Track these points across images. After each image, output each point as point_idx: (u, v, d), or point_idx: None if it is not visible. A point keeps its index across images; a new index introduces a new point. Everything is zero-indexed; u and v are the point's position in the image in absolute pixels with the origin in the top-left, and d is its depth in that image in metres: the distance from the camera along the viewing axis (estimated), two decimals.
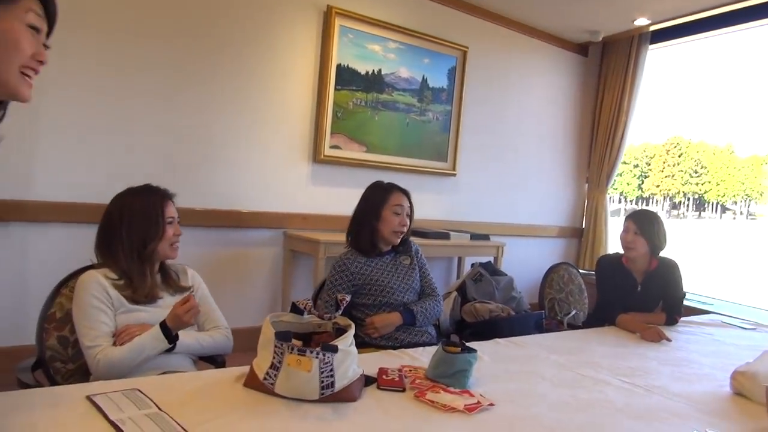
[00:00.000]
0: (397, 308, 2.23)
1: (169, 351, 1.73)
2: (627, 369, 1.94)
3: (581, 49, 5.59)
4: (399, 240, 2.30)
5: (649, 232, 2.68)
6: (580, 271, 3.45)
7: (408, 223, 2.29)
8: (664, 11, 4.64)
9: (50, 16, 1.08)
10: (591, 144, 5.75)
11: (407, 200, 2.32)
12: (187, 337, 1.78)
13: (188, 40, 3.39)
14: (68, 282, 1.84)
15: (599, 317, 2.70)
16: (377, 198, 2.30)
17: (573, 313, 3.09)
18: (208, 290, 2.02)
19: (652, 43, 5.24)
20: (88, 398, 1.27)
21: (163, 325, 1.69)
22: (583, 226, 5.80)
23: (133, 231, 1.79)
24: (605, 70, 5.59)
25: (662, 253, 2.77)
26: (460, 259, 4.82)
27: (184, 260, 1.99)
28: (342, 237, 3.73)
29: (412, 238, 2.44)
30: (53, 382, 1.75)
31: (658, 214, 2.81)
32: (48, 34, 1.09)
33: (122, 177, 3.10)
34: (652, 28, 5.06)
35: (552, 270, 3.25)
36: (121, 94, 3.19)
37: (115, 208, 1.83)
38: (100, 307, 1.70)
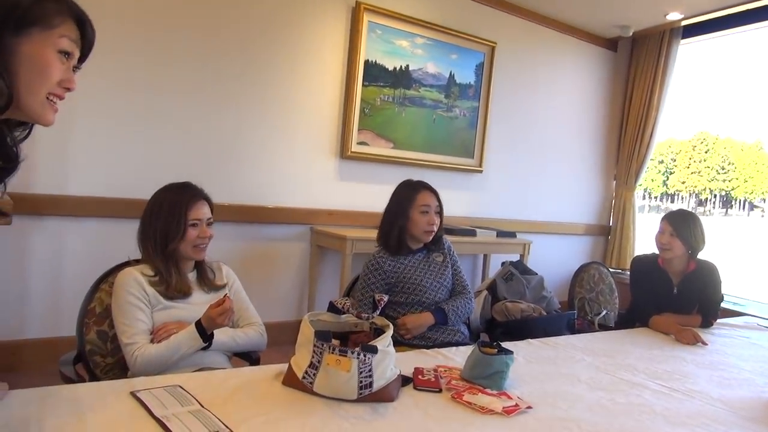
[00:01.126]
0: (429, 307, 2.23)
1: (204, 349, 1.75)
2: (664, 372, 1.92)
3: (610, 44, 5.51)
4: (431, 238, 2.29)
5: (685, 234, 2.62)
6: (609, 270, 3.41)
7: (437, 221, 2.27)
8: (698, 5, 4.54)
9: (87, 42, 1.07)
10: (619, 140, 5.67)
11: (435, 199, 2.29)
12: (222, 335, 1.80)
13: (218, 37, 3.41)
14: (107, 277, 1.87)
15: (632, 318, 2.66)
16: (405, 197, 2.29)
17: (604, 313, 3.05)
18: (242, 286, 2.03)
19: (684, 37, 5.14)
20: (132, 394, 1.29)
21: (199, 324, 1.71)
22: (611, 224, 5.73)
23: (158, 227, 1.81)
24: (635, 66, 5.50)
25: (700, 254, 2.71)
26: (485, 257, 4.80)
27: (213, 255, 2.00)
28: (368, 233, 3.77)
29: None
30: (93, 376, 1.78)
31: (696, 213, 2.76)
32: (83, 59, 1.09)
33: (152, 173, 3.17)
34: (685, 22, 4.96)
35: (582, 269, 3.21)
36: (151, 92, 3.22)
37: (150, 203, 1.86)
38: (138, 304, 1.72)
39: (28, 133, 1.08)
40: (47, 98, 1.01)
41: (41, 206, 2.94)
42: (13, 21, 0.94)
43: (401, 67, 4.17)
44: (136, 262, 1.85)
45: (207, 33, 3.37)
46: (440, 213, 2.30)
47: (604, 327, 2.93)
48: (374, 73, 4.03)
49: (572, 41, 5.24)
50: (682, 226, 2.64)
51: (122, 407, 1.24)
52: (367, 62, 3.98)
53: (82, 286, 1.91)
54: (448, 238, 2.42)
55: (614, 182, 5.72)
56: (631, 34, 5.17)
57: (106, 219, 3.13)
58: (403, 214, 2.26)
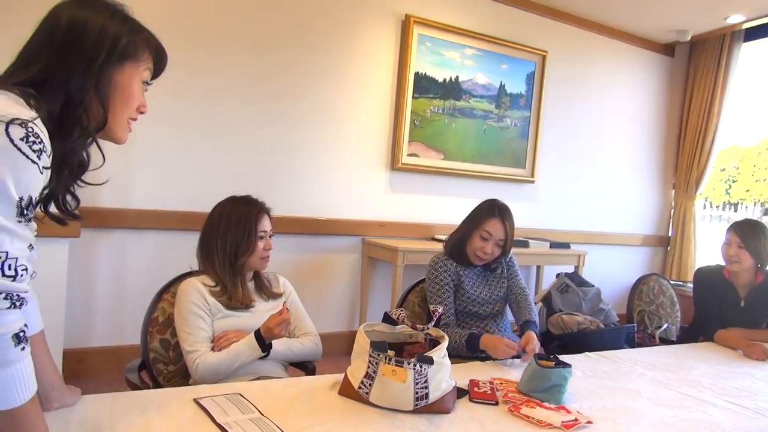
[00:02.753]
0: (481, 318, 2.20)
1: (262, 358, 1.79)
2: (732, 389, 1.83)
3: (667, 49, 5.35)
4: (480, 263, 2.25)
5: (754, 245, 2.50)
6: (670, 282, 3.29)
7: (492, 252, 2.20)
8: (761, 6, 4.36)
9: (159, 69, 1.19)
10: (678, 148, 5.47)
11: (502, 231, 2.20)
12: (279, 344, 1.83)
13: (271, 56, 3.51)
14: (170, 287, 1.94)
15: (696, 332, 2.56)
16: (477, 216, 2.26)
17: (665, 326, 2.94)
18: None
19: (746, 40, 4.94)
20: (195, 401, 1.34)
21: (258, 334, 1.75)
22: (670, 234, 5.53)
23: (227, 241, 1.86)
24: (693, 71, 5.31)
25: None
26: (539, 268, 4.71)
27: (269, 266, 2.04)
28: (420, 244, 3.78)
29: None
30: (156, 383, 1.84)
31: (763, 223, 2.63)
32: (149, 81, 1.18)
33: (209, 186, 3.27)
34: (747, 25, 4.77)
35: (641, 281, 3.11)
36: (208, 109, 3.34)
37: (214, 216, 1.91)
38: (199, 313, 1.78)
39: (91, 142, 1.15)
40: (126, 121, 1.13)
41: (106, 219, 3.08)
42: (115, 55, 1.05)
43: (451, 78, 4.17)
44: (197, 273, 1.91)
45: (262, 52, 3.47)
46: (504, 246, 2.22)
47: (665, 341, 2.82)
48: (424, 84, 4.05)
49: (626, 48, 5.12)
50: (750, 236, 2.52)
51: (186, 413, 1.28)
52: (416, 74, 4.00)
53: (144, 296, 1.99)
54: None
55: (673, 191, 5.52)
56: (689, 38, 5.00)
57: (165, 231, 3.24)
58: (468, 230, 2.25)
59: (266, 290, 1.96)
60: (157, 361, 1.87)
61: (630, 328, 2.59)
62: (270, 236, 1.94)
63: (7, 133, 0.88)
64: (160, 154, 3.22)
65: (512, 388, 1.62)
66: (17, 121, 0.89)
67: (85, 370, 3.07)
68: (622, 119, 5.17)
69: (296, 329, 1.97)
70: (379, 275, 4.01)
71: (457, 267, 2.23)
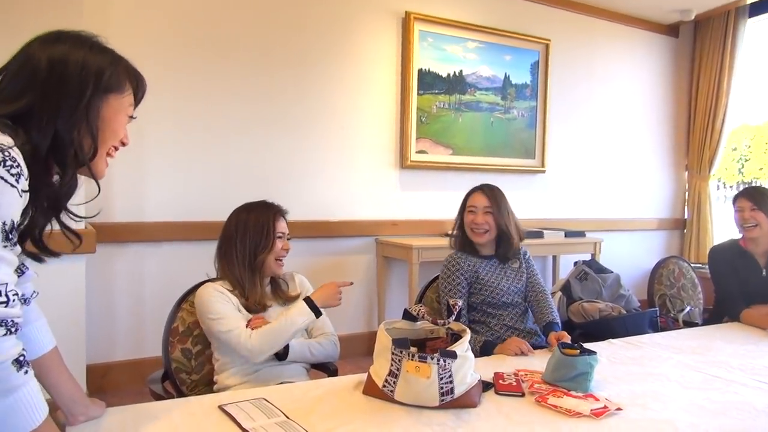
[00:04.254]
0: (500, 308, 2.18)
1: (280, 359, 1.78)
2: (762, 368, 1.79)
3: (671, 30, 5.29)
4: (482, 240, 2.23)
5: (767, 207, 2.45)
6: (690, 264, 3.25)
7: (486, 221, 2.19)
8: None
9: (139, 97, 1.17)
10: (688, 129, 5.41)
11: (485, 198, 2.21)
12: (297, 345, 1.83)
13: (274, 59, 3.51)
14: (188, 296, 1.94)
15: (720, 313, 2.52)
16: (462, 202, 2.32)
17: (687, 309, 2.90)
18: None
19: (750, 16, 4.87)
20: (220, 408, 1.33)
21: (310, 302, 1.77)
22: (686, 217, 5.46)
23: (246, 242, 1.88)
24: (699, 50, 5.25)
25: None
26: (554, 258, 4.68)
27: (286, 270, 2.04)
28: (434, 241, 3.76)
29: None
30: (180, 392, 1.84)
31: None
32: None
33: (221, 195, 3.28)
34: (750, 0, 4.71)
35: (661, 264, 3.07)
36: (213, 118, 3.34)
37: (232, 221, 1.93)
38: (225, 302, 1.79)
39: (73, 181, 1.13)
40: (107, 153, 1.11)
41: (121, 233, 3.09)
42: (100, 89, 1.05)
43: (455, 72, 4.15)
44: (214, 280, 1.91)
45: (264, 58, 3.47)
46: (495, 214, 2.21)
47: (689, 324, 2.78)
48: (428, 80, 4.03)
49: (630, 31, 5.06)
50: (760, 199, 2.46)
51: (212, 421, 1.28)
52: (420, 71, 3.98)
53: (163, 307, 1.99)
54: (522, 245, 2.34)
55: (686, 173, 5.45)
56: (693, 17, 4.94)
57: (180, 242, 3.25)
58: (460, 215, 2.30)
59: (282, 294, 1.97)
60: (179, 371, 1.87)
61: (653, 312, 2.56)
62: (287, 238, 1.96)
63: None
64: (170, 166, 3.23)
65: (537, 378, 1.60)
66: None
67: (109, 384, 3.08)
68: (629, 103, 5.11)
69: (314, 329, 1.97)
70: (395, 274, 4.00)
71: (473, 261, 2.22)
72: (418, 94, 3.98)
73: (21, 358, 0.92)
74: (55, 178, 1.04)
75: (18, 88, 1.00)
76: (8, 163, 0.89)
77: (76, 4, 2.55)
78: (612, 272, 2.79)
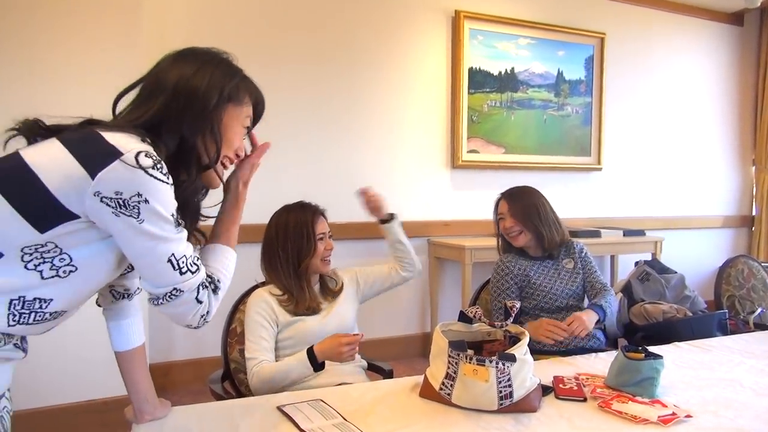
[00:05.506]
0: (554, 312, 2.13)
1: (316, 371, 1.73)
2: None
3: (735, 18, 5.04)
4: (521, 242, 2.20)
5: None
6: (762, 264, 3.08)
7: (514, 226, 2.19)
8: None
9: (258, 115, 1.28)
10: (755, 122, 5.15)
11: (505, 204, 2.26)
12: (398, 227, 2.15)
13: (325, 61, 3.54)
14: (244, 299, 1.97)
15: None
16: (493, 211, 2.34)
17: (759, 311, 2.74)
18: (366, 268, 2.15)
19: None
20: (279, 408, 1.35)
21: (310, 352, 1.69)
22: (754, 213, 5.19)
23: (288, 249, 1.87)
24: (766, 39, 4.98)
25: None
26: (612, 258, 4.53)
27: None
28: (487, 241, 3.71)
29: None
30: (239, 392, 1.88)
31: None
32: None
33: (270, 197, 3.28)
34: None
35: (728, 264, 2.93)
36: (264, 118, 3.38)
37: (272, 227, 1.93)
38: (263, 323, 1.79)
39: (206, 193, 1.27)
40: (221, 162, 1.19)
41: None
42: (222, 98, 1.13)
43: (506, 70, 4.08)
44: (263, 284, 1.93)
45: (315, 60, 3.51)
46: (518, 215, 2.19)
47: (761, 326, 2.64)
48: (479, 79, 3.98)
49: (689, 21, 4.86)
50: None
51: (271, 421, 1.29)
52: (471, 69, 3.94)
53: (220, 308, 2.01)
54: (579, 241, 2.30)
55: (753, 168, 5.19)
56: (758, 4, 4.68)
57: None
58: (496, 225, 2.33)
59: (330, 290, 1.97)
60: (238, 371, 1.91)
61: (722, 314, 2.44)
62: (329, 236, 1.94)
63: (140, 166, 0.96)
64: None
65: (600, 382, 1.55)
66: (142, 152, 0.98)
67: (170, 383, 3.18)
68: (691, 97, 4.90)
69: (381, 271, 2.15)
70: (448, 275, 3.96)
71: (523, 265, 2.18)
72: (469, 93, 3.94)
73: (214, 281, 1.15)
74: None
75: (150, 100, 1.10)
76: (158, 165, 0.99)
77: (134, 11, 2.64)
78: (675, 272, 2.67)
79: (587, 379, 1.59)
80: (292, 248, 1.86)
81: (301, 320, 1.84)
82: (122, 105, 1.15)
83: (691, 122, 4.92)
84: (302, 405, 1.36)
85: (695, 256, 4.82)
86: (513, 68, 4.11)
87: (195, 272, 1.08)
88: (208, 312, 1.14)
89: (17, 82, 2.43)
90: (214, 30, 3.24)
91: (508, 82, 4.09)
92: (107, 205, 0.95)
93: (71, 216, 0.97)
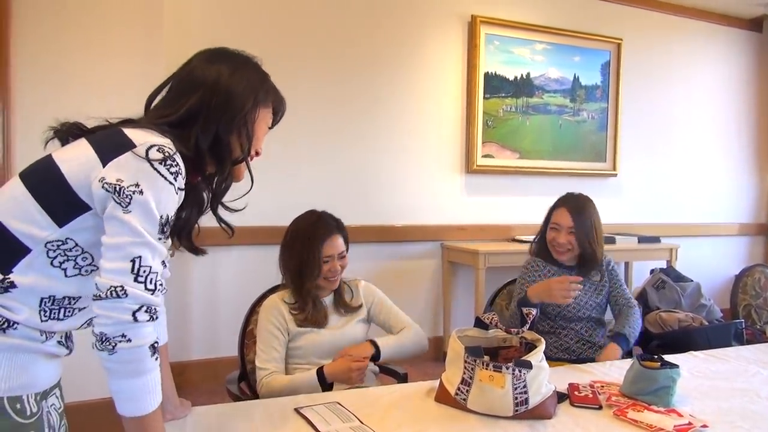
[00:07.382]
0: (575, 321, 2.12)
1: (374, 361, 1.78)
2: None
3: (754, 24, 5.00)
4: (564, 258, 2.18)
5: None
6: None
7: (568, 242, 2.14)
8: None
9: (278, 117, 1.31)
10: None
11: (569, 217, 2.14)
12: (388, 347, 1.83)
13: (341, 66, 3.57)
14: (261, 301, 1.99)
15: None
16: (548, 211, 2.26)
17: None
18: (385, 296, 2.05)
19: None
20: (296, 410, 1.36)
21: (320, 372, 1.71)
22: None
23: (291, 266, 1.86)
24: None
25: None
26: (627, 265, 4.50)
27: (349, 276, 2.03)
28: (501, 246, 3.72)
29: None
30: (255, 393, 1.89)
31: None
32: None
33: (291, 200, 3.34)
34: None
35: (745, 273, 2.90)
36: (285, 124, 3.41)
37: (288, 234, 1.91)
38: (275, 333, 1.80)
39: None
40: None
41: (200, 237, 3.21)
42: (257, 100, 1.18)
43: (522, 75, 4.08)
44: (283, 286, 1.94)
45: (332, 65, 3.54)
46: (579, 235, 2.14)
47: None
48: (495, 84, 3.99)
49: (707, 27, 4.82)
50: None
51: (289, 423, 1.31)
52: (486, 74, 3.94)
53: (237, 309, 2.04)
54: (607, 254, 2.26)
55: None
56: None
57: (251, 246, 3.35)
58: (544, 226, 2.26)
59: (344, 304, 1.94)
60: (254, 372, 1.92)
61: (738, 323, 2.42)
62: (341, 257, 1.88)
63: (148, 158, 0.98)
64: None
65: (615, 390, 1.55)
66: (155, 146, 1.00)
67: (185, 383, 3.21)
68: (708, 103, 4.87)
69: (393, 327, 1.97)
70: (461, 280, 3.97)
71: (553, 270, 2.18)
72: (485, 98, 3.95)
73: (155, 345, 1.00)
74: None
75: (183, 97, 1.12)
76: (168, 162, 1.00)
77: (156, 10, 2.69)
78: (691, 280, 2.66)
79: (602, 386, 1.59)
80: (295, 266, 1.85)
81: (314, 332, 1.84)
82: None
83: (708, 129, 4.88)
84: (319, 407, 1.38)
85: (711, 264, 4.78)
86: (529, 73, 4.11)
87: (151, 291, 0.98)
88: (129, 340, 0.95)
89: (56, 87, 2.48)
90: (236, 36, 3.27)
91: (523, 87, 4.09)
92: (107, 191, 0.97)
93: (84, 207, 0.99)
